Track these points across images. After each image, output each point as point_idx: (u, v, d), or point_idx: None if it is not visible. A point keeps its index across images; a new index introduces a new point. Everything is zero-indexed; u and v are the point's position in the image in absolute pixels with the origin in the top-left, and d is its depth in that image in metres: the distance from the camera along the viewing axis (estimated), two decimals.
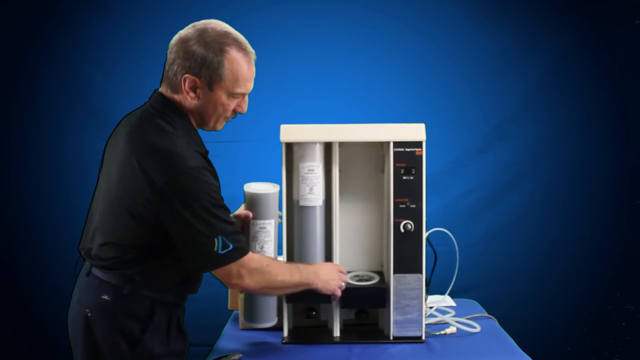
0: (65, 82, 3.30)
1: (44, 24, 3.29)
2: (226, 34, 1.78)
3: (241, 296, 2.17)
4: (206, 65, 1.75)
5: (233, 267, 1.75)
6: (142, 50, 3.30)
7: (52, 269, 3.25)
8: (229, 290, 2.38)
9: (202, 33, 1.76)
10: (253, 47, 1.83)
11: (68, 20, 3.30)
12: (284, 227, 2.12)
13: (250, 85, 1.82)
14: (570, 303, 3.35)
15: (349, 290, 2.10)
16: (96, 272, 1.78)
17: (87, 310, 1.76)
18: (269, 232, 2.02)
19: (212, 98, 1.79)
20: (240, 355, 2.01)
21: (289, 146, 2.14)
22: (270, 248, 2.03)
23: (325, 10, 3.32)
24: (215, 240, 1.70)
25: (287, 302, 2.13)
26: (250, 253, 1.79)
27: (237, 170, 3.19)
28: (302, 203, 2.13)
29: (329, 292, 2.00)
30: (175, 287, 1.83)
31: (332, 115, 3.25)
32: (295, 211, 2.15)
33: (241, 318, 2.23)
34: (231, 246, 1.72)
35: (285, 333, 2.16)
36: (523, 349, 2.08)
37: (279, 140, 2.11)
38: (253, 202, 2.01)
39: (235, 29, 1.84)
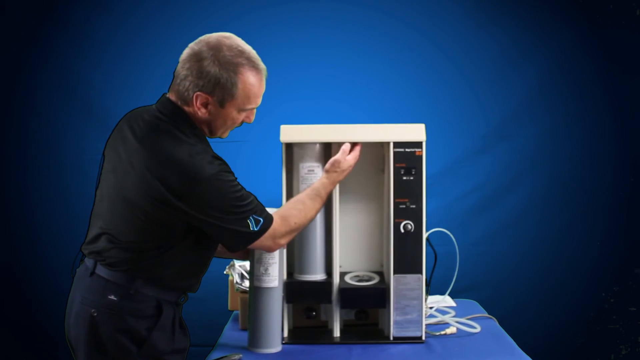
0: (65, 82, 3.30)
1: (44, 24, 3.29)
2: (240, 53, 1.78)
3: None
4: (220, 86, 1.76)
5: (269, 235, 1.86)
6: (142, 50, 3.30)
7: (52, 269, 3.24)
8: (229, 290, 2.39)
9: (216, 52, 1.75)
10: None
11: (68, 20, 3.30)
12: None
13: (259, 100, 1.86)
14: (570, 303, 3.35)
15: (349, 291, 2.11)
16: (101, 271, 1.77)
17: (93, 311, 1.76)
18: (273, 255, 2.03)
19: (222, 114, 1.81)
20: (241, 355, 2.01)
21: (289, 146, 2.14)
22: (274, 270, 2.03)
23: (324, 10, 3.31)
24: (248, 221, 1.80)
25: (287, 302, 2.13)
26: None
27: (237, 170, 3.17)
28: None
29: (353, 162, 2.07)
30: (179, 286, 1.84)
31: (332, 115, 3.25)
32: None
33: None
34: (262, 220, 1.83)
35: (285, 333, 2.16)
36: (523, 349, 2.08)
37: (279, 140, 2.11)
38: None
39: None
